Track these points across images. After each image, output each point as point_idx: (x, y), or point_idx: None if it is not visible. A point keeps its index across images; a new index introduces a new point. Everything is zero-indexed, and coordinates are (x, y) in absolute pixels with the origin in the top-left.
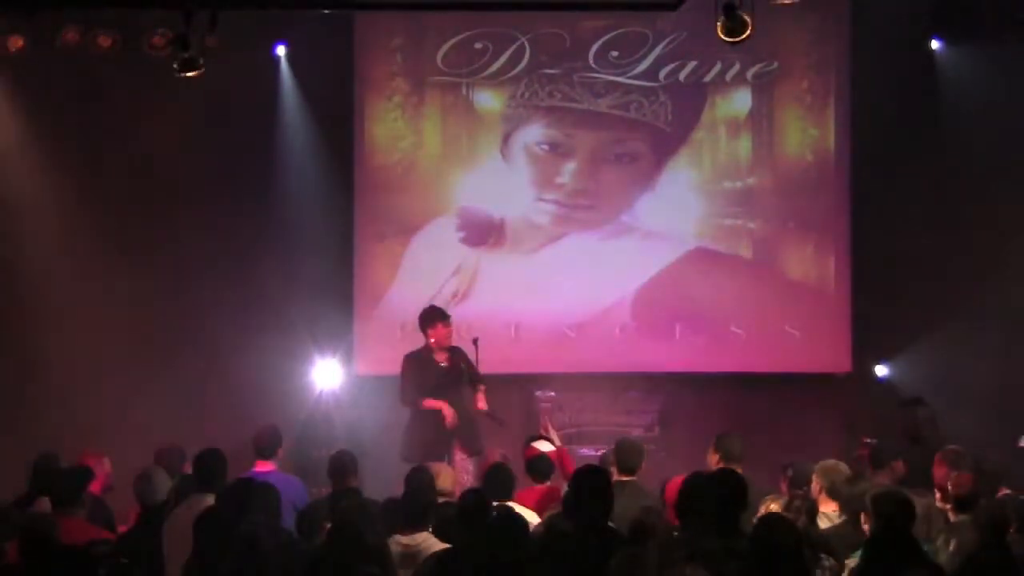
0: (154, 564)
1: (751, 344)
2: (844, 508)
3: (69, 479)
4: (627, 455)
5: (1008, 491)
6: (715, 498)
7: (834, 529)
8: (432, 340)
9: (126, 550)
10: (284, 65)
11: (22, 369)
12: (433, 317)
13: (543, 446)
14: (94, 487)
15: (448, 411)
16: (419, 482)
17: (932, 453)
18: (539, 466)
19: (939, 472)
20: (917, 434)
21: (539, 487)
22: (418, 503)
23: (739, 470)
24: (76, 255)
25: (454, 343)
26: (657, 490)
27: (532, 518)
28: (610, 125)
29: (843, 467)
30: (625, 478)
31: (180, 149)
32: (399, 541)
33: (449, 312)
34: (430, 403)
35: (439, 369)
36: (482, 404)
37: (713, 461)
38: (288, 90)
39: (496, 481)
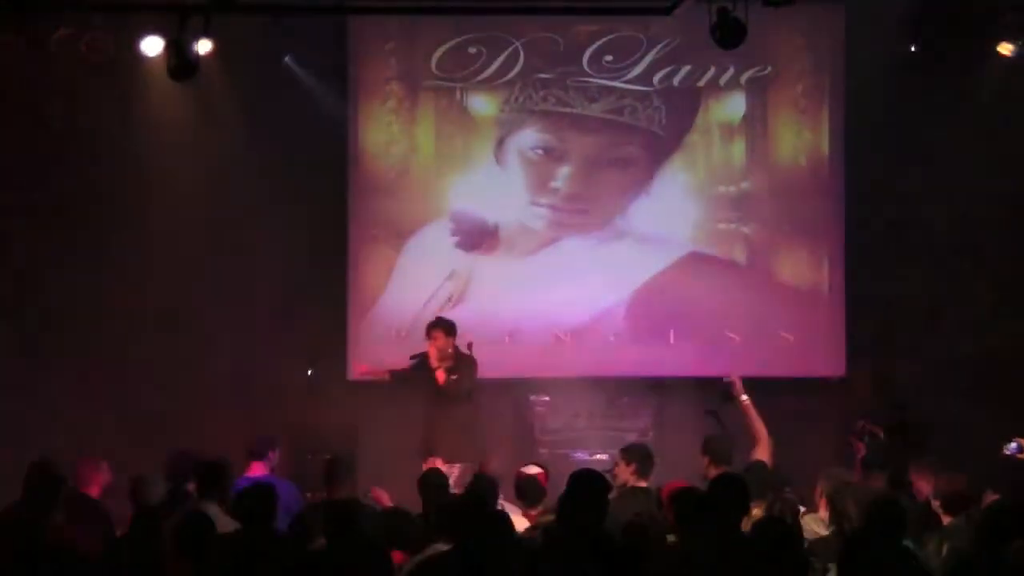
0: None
1: (745, 348)
2: (833, 512)
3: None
4: (647, 460)
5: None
6: (717, 502)
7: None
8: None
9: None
10: (278, 69)
11: (20, 372)
12: (428, 328)
13: (531, 469)
14: (93, 491)
15: None
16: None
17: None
18: (527, 488)
19: (924, 482)
20: (906, 440)
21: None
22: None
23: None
24: (71, 257)
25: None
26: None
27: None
28: (604, 130)
29: (849, 475)
30: (643, 484)
31: (173, 153)
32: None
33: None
34: None
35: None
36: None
37: (704, 464)
38: (282, 94)
39: (477, 492)
